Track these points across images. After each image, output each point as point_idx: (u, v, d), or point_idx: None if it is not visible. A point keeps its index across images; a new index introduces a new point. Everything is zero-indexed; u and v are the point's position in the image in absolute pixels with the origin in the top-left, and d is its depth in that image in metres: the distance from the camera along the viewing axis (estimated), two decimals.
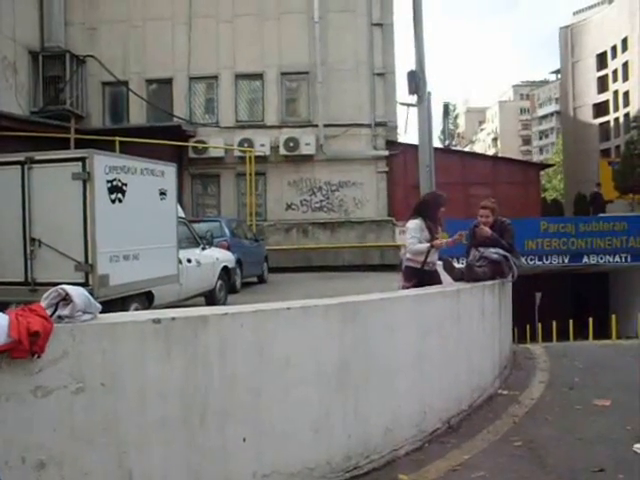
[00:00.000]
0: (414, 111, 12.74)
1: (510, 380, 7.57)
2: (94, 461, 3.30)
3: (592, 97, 55.21)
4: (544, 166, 39.09)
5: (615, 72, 53.93)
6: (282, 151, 22.04)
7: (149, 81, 23.11)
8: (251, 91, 23.33)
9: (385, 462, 4.76)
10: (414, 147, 14.61)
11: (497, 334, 7.50)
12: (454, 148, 61.54)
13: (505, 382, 7.41)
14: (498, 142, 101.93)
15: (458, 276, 7.10)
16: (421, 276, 7.17)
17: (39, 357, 3.08)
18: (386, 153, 22.60)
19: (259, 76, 22.81)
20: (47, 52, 21.17)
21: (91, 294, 3.55)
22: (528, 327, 19.32)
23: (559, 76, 68.42)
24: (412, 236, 7.29)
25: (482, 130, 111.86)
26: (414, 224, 7.34)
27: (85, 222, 7.62)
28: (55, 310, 3.27)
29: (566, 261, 20.89)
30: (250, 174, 20.46)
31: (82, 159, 7.72)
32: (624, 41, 51.31)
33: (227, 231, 14.92)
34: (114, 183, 8.02)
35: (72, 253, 7.65)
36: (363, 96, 22.40)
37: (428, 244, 7.11)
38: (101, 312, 3.53)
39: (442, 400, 5.65)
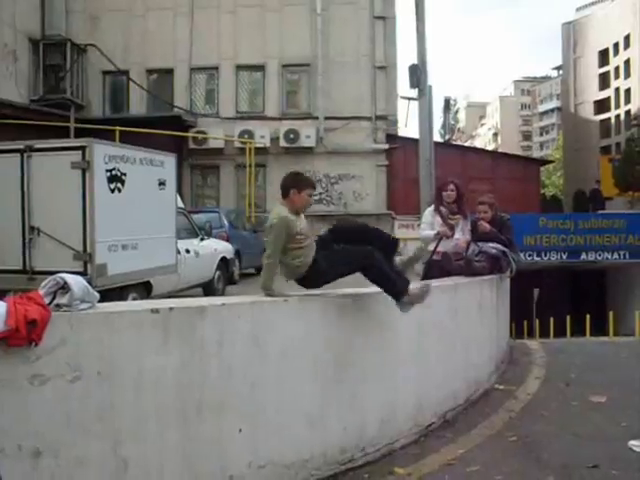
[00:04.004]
0: (415, 105, 12.73)
1: (507, 375, 7.58)
2: (90, 450, 3.30)
3: (593, 94, 55.11)
4: (544, 162, 39.08)
5: (617, 69, 53.81)
6: (282, 143, 22.01)
7: (150, 71, 23.06)
8: (252, 82, 23.30)
9: (380, 455, 4.78)
10: (414, 141, 14.61)
11: (494, 329, 7.50)
12: (454, 143, 61.42)
13: (502, 377, 7.42)
14: (498, 137, 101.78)
15: (457, 270, 7.10)
16: (428, 267, 7.21)
17: (36, 345, 3.08)
18: (386, 147, 22.59)
19: (260, 67, 22.77)
20: (48, 40, 21.12)
21: (89, 283, 3.56)
22: (526, 323, 19.34)
23: (561, 72, 68.32)
24: (422, 222, 7.41)
25: (482, 125, 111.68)
26: (426, 211, 7.49)
27: (84, 211, 7.62)
28: (53, 298, 3.27)
29: (564, 257, 20.85)
30: (250, 165, 20.42)
31: (82, 148, 7.71)
32: (626, 38, 51.19)
33: (226, 222, 14.92)
34: (113, 172, 8.01)
35: (71, 242, 7.65)
36: (364, 89, 22.36)
37: (434, 231, 7.17)
38: (99, 301, 3.53)
39: (438, 394, 5.66)
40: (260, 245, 19.00)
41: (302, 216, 4.58)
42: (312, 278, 4.53)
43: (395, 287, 4.62)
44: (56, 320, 3.18)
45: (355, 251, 4.60)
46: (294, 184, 4.54)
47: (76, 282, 3.34)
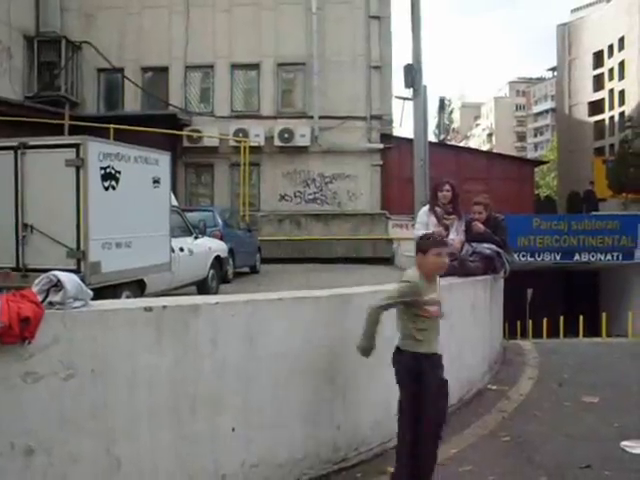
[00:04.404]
0: (410, 105, 12.74)
1: (500, 375, 7.59)
2: (83, 448, 3.29)
3: (588, 95, 55.22)
4: (538, 163, 39.25)
5: (611, 71, 53.92)
6: (277, 142, 22.00)
7: (145, 69, 23.02)
8: (247, 81, 23.28)
9: (374, 455, 4.78)
10: (409, 141, 14.62)
11: (488, 329, 7.52)
12: (449, 143, 61.48)
13: (495, 377, 7.44)
14: (493, 138, 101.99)
15: (450, 271, 7.09)
16: None
17: (29, 343, 3.07)
18: (381, 146, 22.61)
19: (255, 66, 22.75)
20: (43, 37, 21.05)
21: (83, 281, 3.55)
22: (519, 323, 19.37)
23: (555, 73, 68.43)
24: (417, 222, 7.40)
25: (477, 126, 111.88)
26: (421, 211, 7.47)
27: (78, 209, 7.59)
28: (46, 296, 3.26)
29: (558, 258, 20.93)
30: (244, 164, 20.41)
31: (76, 145, 7.69)
32: (621, 40, 51.30)
33: (220, 221, 14.90)
34: (108, 170, 7.98)
35: (64, 239, 7.63)
36: (359, 89, 22.37)
37: (428, 231, 7.17)
38: (92, 299, 3.51)
39: None
40: (254, 244, 18.96)
41: (436, 283, 4.23)
42: (401, 365, 4.25)
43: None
44: (49, 318, 3.17)
45: (436, 412, 4.08)
46: (418, 248, 4.29)
47: (69, 280, 3.33)
